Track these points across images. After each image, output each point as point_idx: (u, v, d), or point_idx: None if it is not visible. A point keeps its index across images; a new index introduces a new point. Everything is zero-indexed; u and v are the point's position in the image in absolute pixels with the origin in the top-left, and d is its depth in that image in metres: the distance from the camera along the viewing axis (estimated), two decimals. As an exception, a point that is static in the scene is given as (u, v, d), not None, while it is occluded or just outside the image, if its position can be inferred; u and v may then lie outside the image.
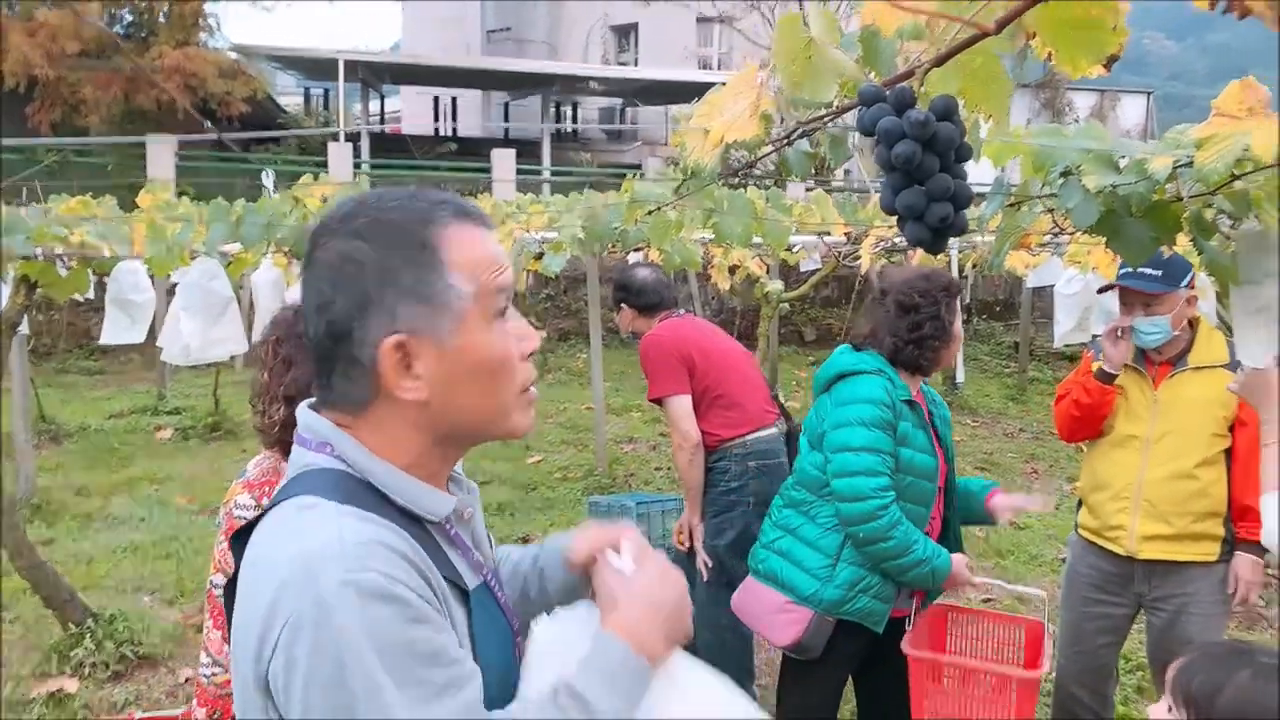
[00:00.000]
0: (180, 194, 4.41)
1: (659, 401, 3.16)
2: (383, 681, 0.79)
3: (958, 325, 2.39)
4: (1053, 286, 5.35)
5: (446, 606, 0.89)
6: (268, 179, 2.40)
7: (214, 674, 1.80)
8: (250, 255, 2.86)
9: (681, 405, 3.10)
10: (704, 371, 3.15)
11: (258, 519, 0.91)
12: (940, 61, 0.82)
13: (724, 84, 1.24)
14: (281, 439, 1.74)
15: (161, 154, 10.32)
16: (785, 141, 1.20)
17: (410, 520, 0.91)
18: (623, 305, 3.35)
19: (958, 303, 2.39)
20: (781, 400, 3.44)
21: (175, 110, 13.05)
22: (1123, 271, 2.58)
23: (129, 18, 14.87)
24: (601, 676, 0.90)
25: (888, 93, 0.82)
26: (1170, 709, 1.43)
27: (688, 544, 3.22)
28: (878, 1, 0.83)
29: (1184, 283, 2.51)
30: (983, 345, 11.92)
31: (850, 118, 1.16)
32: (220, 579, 1.85)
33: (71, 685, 3.32)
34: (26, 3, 13.16)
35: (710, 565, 3.15)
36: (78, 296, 3.21)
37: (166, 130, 12.36)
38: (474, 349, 0.91)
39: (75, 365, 9.75)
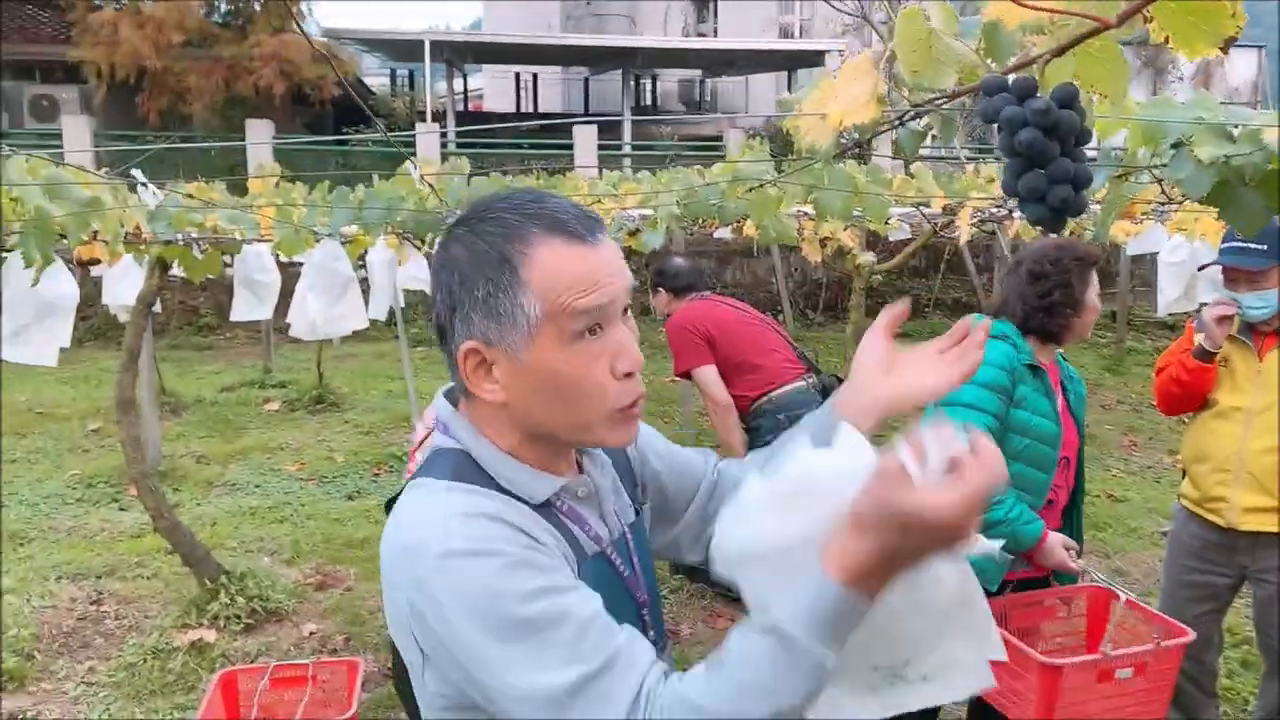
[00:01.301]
0: (280, 179, 4.63)
1: (686, 375, 3.57)
2: (495, 625, 0.84)
3: (1091, 295, 2.39)
4: (1153, 255, 5.19)
5: (556, 561, 0.94)
6: (413, 169, 2.56)
7: None
8: (367, 237, 3.04)
9: (707, 374, 3.49)
10: (722, 342, 3.52)
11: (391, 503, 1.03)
12: (1060, 52, 0.87)
13: (824, 69, 1.30)
14: None
15: (261, 139, 10.76)
16: (899, 123, 1.26)
17: (514, 497, 0.97)
18: (660, 289, 3.72)
19: (1093, 273, 2.39)
20: (810, 357, 3.79)
21: (272, 96, 13.54)
22: (1225, 247, 2.54)
23: (226, 6, 15.46)
24: (814, 625, 0.81)
25: (1010, 81, 0.88)
26: None
27: None
28: (1003, 1, 0.89)
29: None
30: (1077, 315, 11.58)
31: (961, 100, 1.22)
32: None
33: (210, 636, 3.61)
34: (133, -2, 13.82)
35: None
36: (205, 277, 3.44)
37: (263, 115, 12.88)
38: (544, 366, 0.92)
39: (187, 341, 10.30)
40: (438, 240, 1.01)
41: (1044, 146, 0.85)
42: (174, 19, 13.06)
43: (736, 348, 3.53)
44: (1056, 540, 2.36)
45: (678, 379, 3.72)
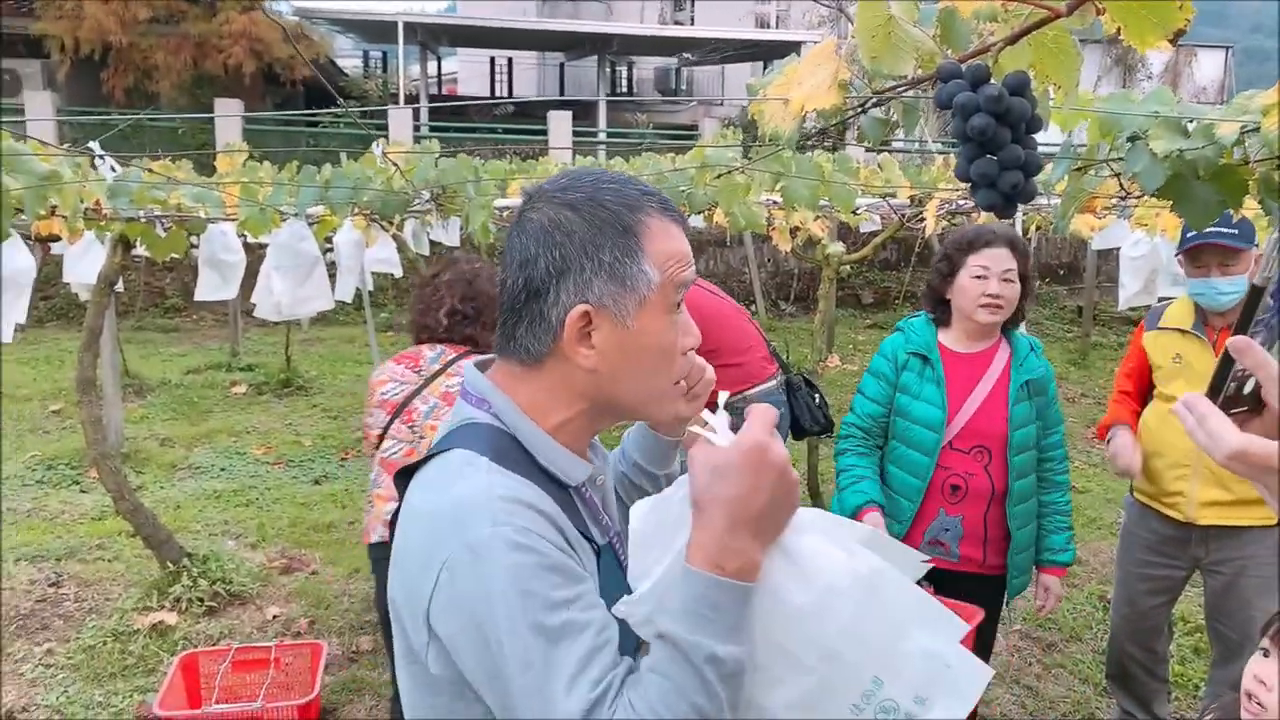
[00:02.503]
0: (248, 158, 4.58)
1: None
2: (522, 623, 0.86)
3: (965, 277, 2.38)
4: (1118, 250, 5.27)
5: (581, 558, 0.96)
6: (378, 149, 2.53)
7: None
8: (335, 218, 3.01)
9: None
10: (709, 335, 3.18)
11: (421, 462, 1.01)
12: (1013, 40, 0.89)
13: (798, 56, 1.31)
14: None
15: (230, 119, 10.60)
16: (861, 110, 1.27)
17: (548, 479, 0.99)
18: None
19: (976, 257, 2.37)
20: (780, 354, 3.53)
21: (242, 75, 13.32)
22: (1210, 228, 2.56)
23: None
24: (689, 619, 0.86)
25: (964, 68, 0.89)
26: (1266, 653, 1.49)
27: None
28: (958, -11, 0.90)
29: (1254, 242, 2.50)
30: (1044, 309, 11.73)
31: (921, 88, 1.23)
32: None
33: (171, 618, 3.58)
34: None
35: None
36: (169, 256, 3.39)
37: (233, 94, 12.68)
38: (648, 333, 0.98)
39: (152, 323, 10.15)
40: (523, 209, 1.03)
41: (996, 132, 0.87)
42: (140, -6, 12.79)
43: (723, 340, 3.20)
44: (873, 520, 2.41)
45: None
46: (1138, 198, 2.11)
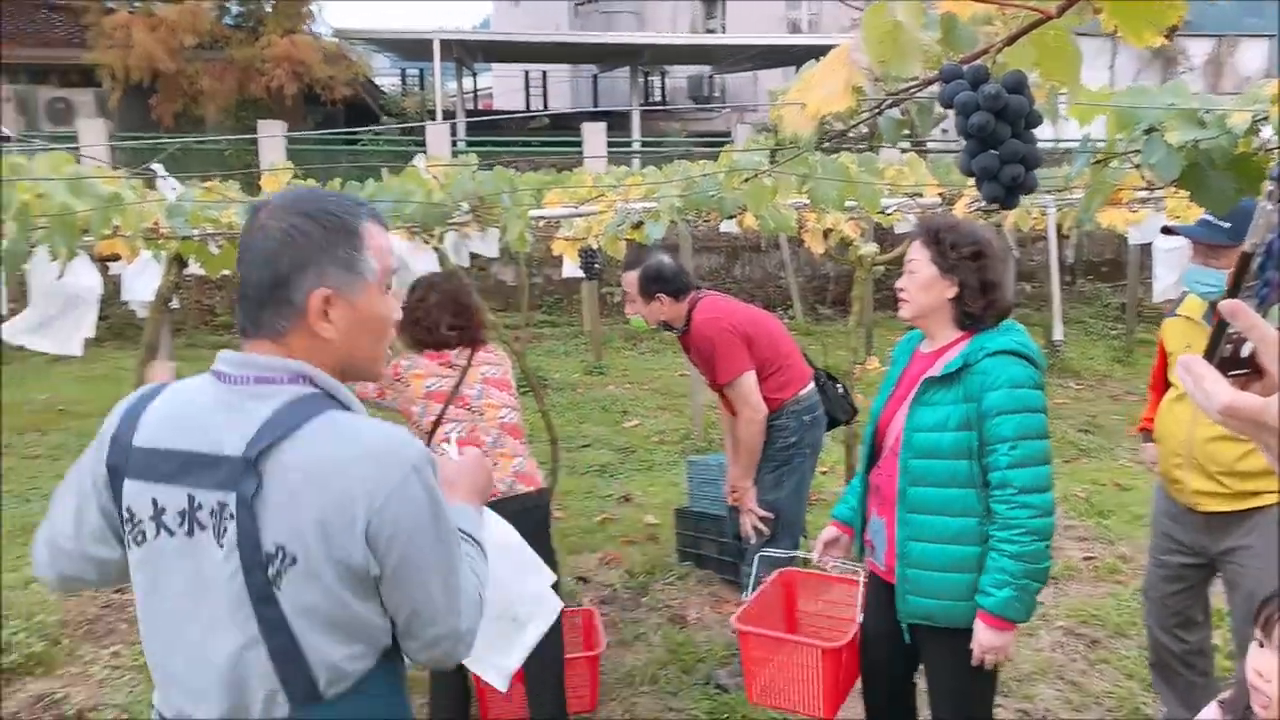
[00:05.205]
0: (293, 177, 4.73)
1: (726, 384, 3.23)
2: (446, 540, 1.24)
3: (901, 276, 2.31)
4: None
5: None
6: (420, 163, 2.64)
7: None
8: (378, 231, 3.11)
9: (751, 380, 3.20)
10: (758, 343, 3.24)
11: (271, 445, 1.17)
12: (1010, 41, 0.94)
13: (817, 60, 1.38)
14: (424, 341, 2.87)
15: (273, 140, 10.88)
16: (876, 112, 1.33)
17: None
18: (660, 296, 3.22)
19: (912, 249, 2.31)
20: (810, 357, 3.60)
21: (284, 97, 13.66)
22: (1197, 221, 2.57)
23: (237, 9, 15.59)
24: (464, 519, 1.40)
25: (965, 69, 0.95)
26: (1261, 644, 1.50)
27: (740, 502, 3.40)
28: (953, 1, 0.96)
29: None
30: (1087, 307, 11.59)
31: (937, 88, 1.29)
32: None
33: None
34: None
35: (770, 518, 3.35)
36: (220, 274, 3.53)
37: (275, 116, 13.00)
38: (373, 308, 1.27)
39: (203, 340, 10.44)
40: (257, 219, 1.28)
41: (995, 128, 0.93)
42: (186, 22, 13.17)
43: (769, 348, 3.26)
44: (829, 534, 2.50)
45: (692, 378, 3.49)
46: (1161, 189, 2.14)
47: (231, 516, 1.14)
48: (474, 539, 1.40)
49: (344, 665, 1.19)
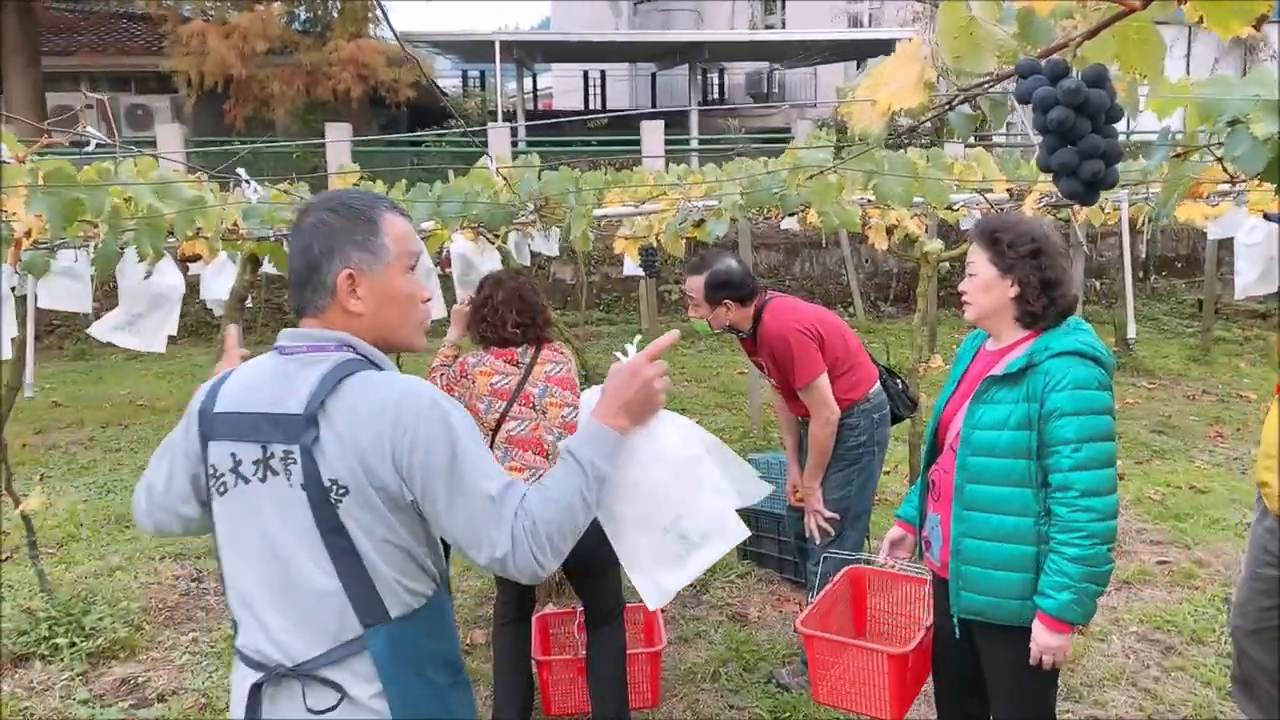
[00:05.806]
0: (359, 179, 4.84)
1: (803, 387, 3.17)
2: (480, 450, 1.37)
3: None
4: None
5: None
6: (490, 163, 2.69)
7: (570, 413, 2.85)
8: (444, 231, 3.19)
9: (826, 382, 3.16)
10: (830, 343, 3.20)
11: (323, 402, 1.36)
12: (1092, 34, 0.93)
13: (886, 57, 1.37)
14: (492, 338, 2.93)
15: (340, 143, 11.15)
16: (948, 107, 1.32)
17: None
18: (726, 301, 3.17)
19: (971, 250, 2.27)
20: (874, 355, 3.54)
21: (350, 99, 13.99)
22: None
23: (305, 14, 16.00)
24: (585, 442, 1.45)
25: (1043, 64, 0.94)
26: None
27: (804, 501, 3.37)
28: (1033, -6, 0.95)
29: None
30: (1161, 304, 11.23)
31: (1009, 83, 1.27)
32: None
33: None
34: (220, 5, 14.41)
35: (836, 519, 3.30)
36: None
37: (341, 119, 13.32)
38: (393, 285, 1.45)
39: (273, 338, 10.70)
40: (298, 218, 1.49)
41: (1074, 124, 0.91)
42: (258, 28, 13.58)
43: (839, 347, 3.23)
44: (894, 534, 2.51)
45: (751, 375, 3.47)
46: (1243, 182, 2.07)
47: (295, 461, 1.35)
48: (587, 465, 1.41)
49: (403, 591, 1.37)
